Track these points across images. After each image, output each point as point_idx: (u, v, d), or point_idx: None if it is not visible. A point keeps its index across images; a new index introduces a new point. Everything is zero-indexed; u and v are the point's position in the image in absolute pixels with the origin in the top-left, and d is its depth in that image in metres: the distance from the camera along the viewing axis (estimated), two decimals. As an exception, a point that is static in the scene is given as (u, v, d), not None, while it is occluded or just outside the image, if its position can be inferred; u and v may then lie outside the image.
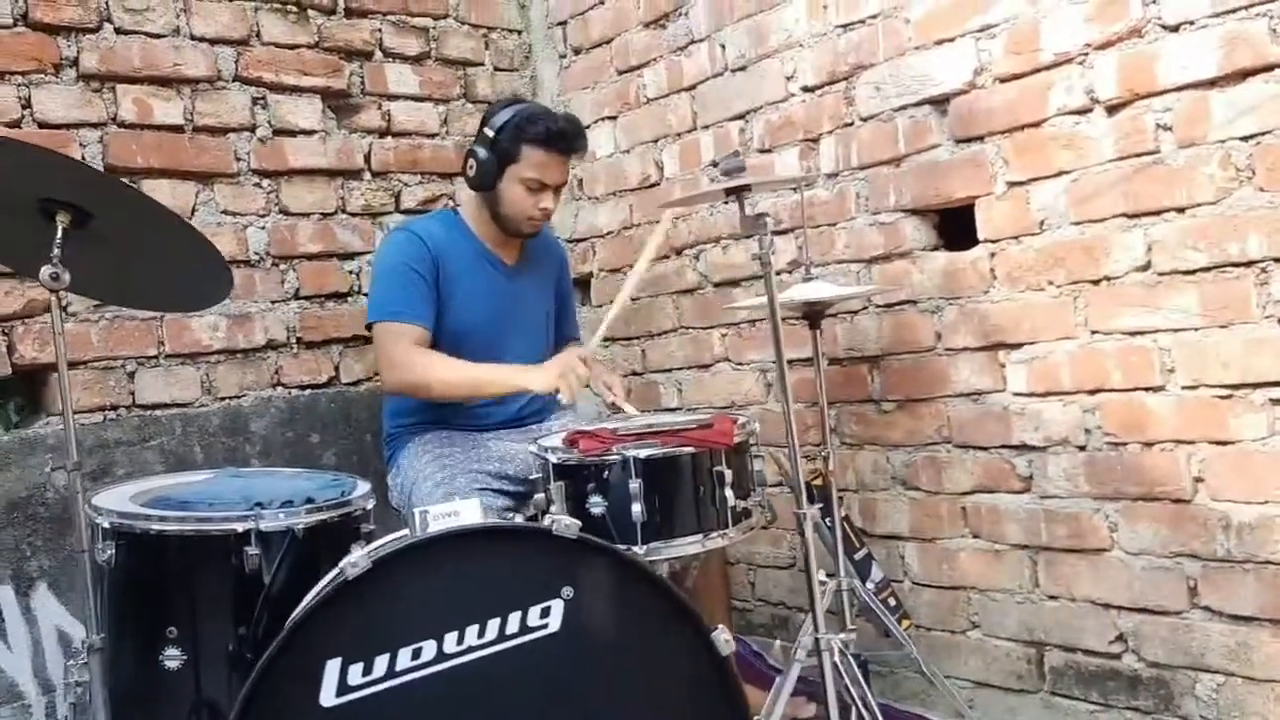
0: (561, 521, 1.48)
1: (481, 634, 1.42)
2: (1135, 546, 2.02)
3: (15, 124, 2.33)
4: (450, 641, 1.41)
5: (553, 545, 1.48)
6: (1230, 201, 1.83)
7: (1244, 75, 1.80)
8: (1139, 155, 1.94)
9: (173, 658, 1.60)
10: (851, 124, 2.42)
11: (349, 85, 2.86)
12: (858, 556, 2.31)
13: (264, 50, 2.71)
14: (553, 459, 1.90)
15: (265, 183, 2.69)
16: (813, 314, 2.18)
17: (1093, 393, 2.05)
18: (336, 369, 2.79)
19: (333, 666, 1.37)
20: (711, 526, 1.89)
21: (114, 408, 2.43)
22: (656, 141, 2.92)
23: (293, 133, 2.74)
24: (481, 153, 2.30)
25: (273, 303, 2.69)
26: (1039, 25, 2.06)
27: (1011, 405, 2.18)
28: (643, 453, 1.85)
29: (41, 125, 2.36)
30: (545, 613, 1.45)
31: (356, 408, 2.78)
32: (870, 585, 2.27)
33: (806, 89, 2.51)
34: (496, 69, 3.18)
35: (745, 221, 1.82)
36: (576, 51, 3.16)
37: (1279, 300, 1.80)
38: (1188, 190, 1.88)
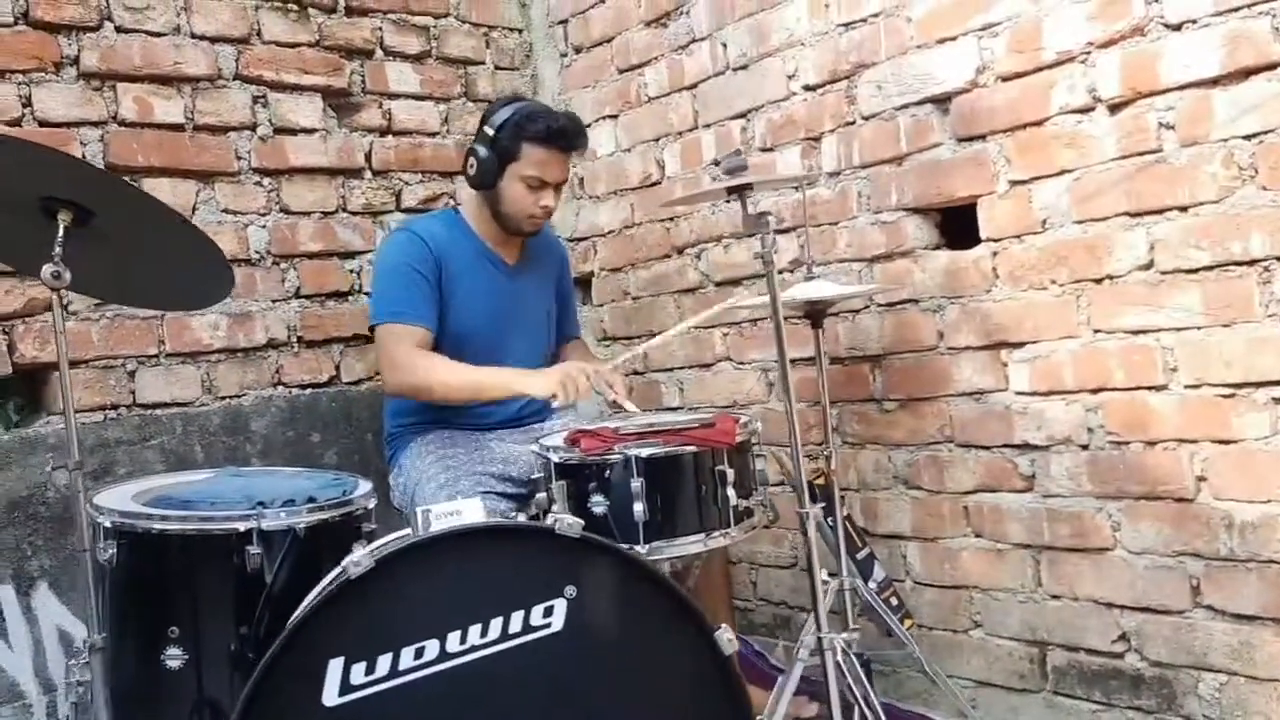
0: (564, 520, 1.47)
1: (484, 633, 1.42)
2: (1138, 546, 2.02)
3: (16, 122, 2.32)
4: (453, 641, 1.41)
5: (556, 544, 1.48)
6: (1233, 200, 1.83)
7: (1246, 74, 1.80)
8: (1141, 154, 1.94)
9: (174, 657, 1.60)
10: (853, 123, 2.42)
11: (350, 84, 2.85)
12: (860, 556, 2.31)
13: (265, 49, 2.70)
14: (554, 458, 1.90)
15: (266, 181, 2.69)
16: (815, 313, 2.18)
17: (1095, 392, 2.05)
18: (337, 368, 2.79)
19: (335, 666, 1.37)
20: (714, 526, 1.89)
21: (114, 407, 2.43)
22: (658, 140, 2.92)
23: (293, 131, 2.74)
24: (482, 151, 2.30)
25: (273, 302, 2.68)
26: (1041, 24, 2.05)
27: (1014, 404, 2.18)
28: (645, 452, 1.84)
29: (42, 124, 2.36)
30: (548, 612, 1.44)
31: (357, 407, 2.78)
32: (872, 585, 2.27)
33: (808, 88, 2.51)
34: (497, 68, 3.17)
35: (748, 220, 1.82)
36: (577, 50, 3.15)
37: (1282, 299, 1.80)
38: (1190, 189, 1.88)
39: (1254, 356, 1.83)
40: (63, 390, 1.60)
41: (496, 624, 1.43)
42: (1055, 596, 2.16)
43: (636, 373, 3.03)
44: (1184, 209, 1.89)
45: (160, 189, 2.46)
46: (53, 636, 2.27)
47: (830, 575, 2.07)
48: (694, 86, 2.80)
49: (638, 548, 1.79)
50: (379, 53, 2.92)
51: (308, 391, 2.73)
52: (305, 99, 2.76)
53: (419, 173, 2.97)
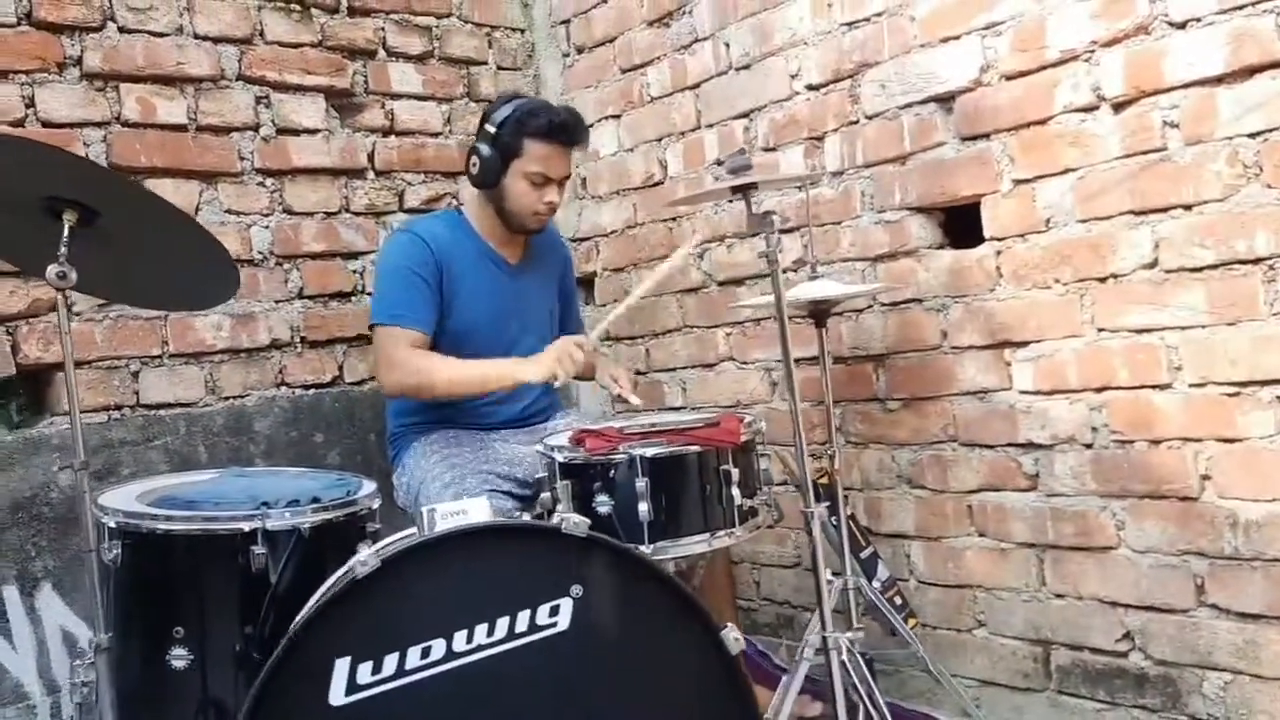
0: (571, 520, 1.47)
1: (491, 632, 1.42)
2: (1142, 545, 2.02)
3: (19, 123, 2.32)
4: (459, 640, 1.41)
5: (562, 544, 1.48)
6: (1238, 199, 1.83)
7: (1251, 72, 1.80)
8: (1146, 153, 1.94)
9: (179, 657, 1.60)
10: (857, 122, 2.42)
11: (352, 84, 2.85)
12: (864, 555, 2.30)
13: (267, 49, 2.71)
14: (559, 458, 1.90)
15: (269, 182, 2.69)
16: (818, 312, 2.17)
17: (1099, 391, 2.05)
18: (340, 368, 2.79)
19: (342, 665, 1.37)
20: (718, 525, 1.89)
21: (118, 407, 2.43)
22: (660, 140, 2.92)
23: (296, 132, 2.74)
24: (484, 149, 2.30)
25: (276, 302, 2.68)
26: (1045, 22, 2.05)
27: (1018, 403, 2.18)
28: (649, 451, 1.84)
29: (45, 124, 2.36)
30: (554, 611, 1.44)
31: (360, 407, 2.78)
32: (876, 584, 2.26)
33: (811, 87, 2.51)
34: (500, 68, 3.17)
35: (752, 220, 1.82)
36: (579, 50, 3.15)
37: (1287, 297, 1.80)
38: (1195, 187, 1.88)
39: (1259, 355, 1.83)
40: (68, 391, 1.60)
41: (503, 623, 1.43)
42: (1059, 595, 2.16)
43: (639, 372, 3.03)
44: (1188, 207, 1.89)
45: (163, 189, 2.46)
46: (56, 637, 2.27)
47: (834, 574, 2.07)
48: (696, 86, 2.80)
49: (642, 547, 1.79)
50: (381, 53, 2.92)
51: (311, 392, 2.73)
52: (308, 99, 2.77)
53: (422, 173, 2.98)
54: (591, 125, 3.05)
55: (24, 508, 2.26)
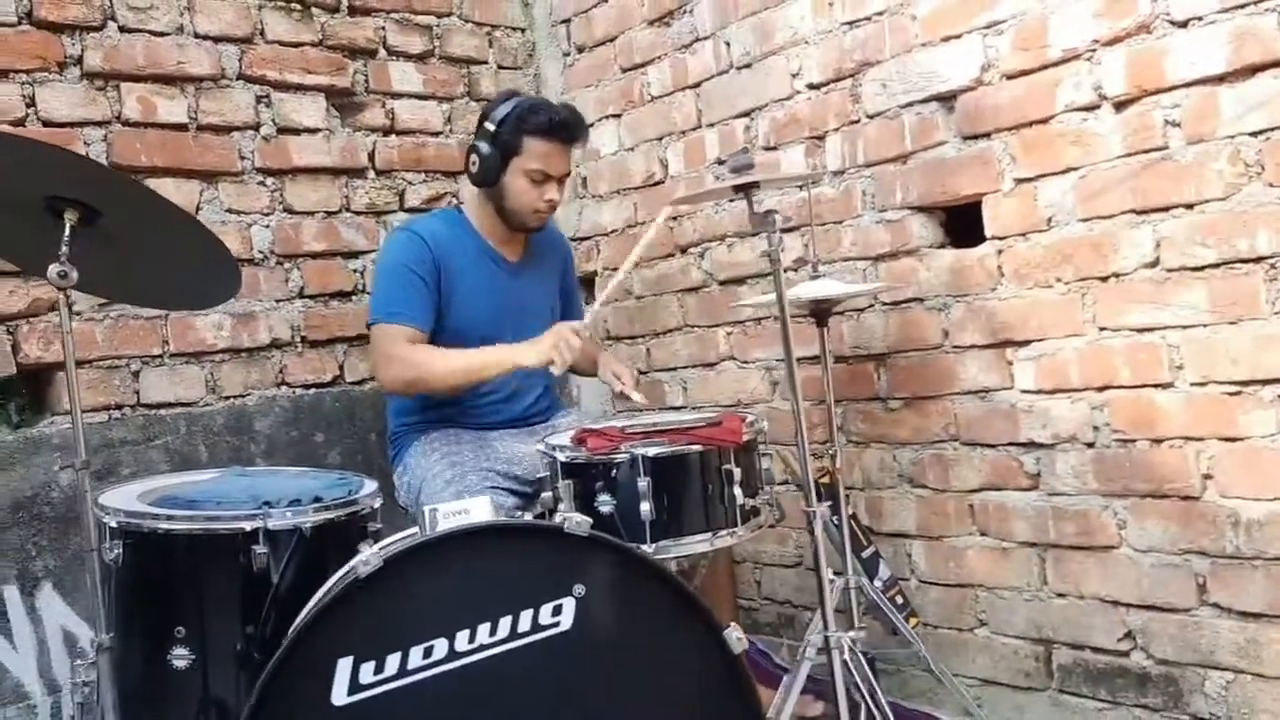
0: (573, 519, 1.47)
1: (493, 632, 1.42)
2: (1144, 544, 2.02)
3: (20, 122, 2.32)
4: (462, 640, 1.41)
5: (565, 543, 1.48)
6: (1239, 197, 1.83)
7: (1253, 71, 1.79)
8: (1147, 151, 1.94)
9: (180, 657, 1.60)
10: (858, 121, 2.42)
11: (353, 83, 2.85)
12: (865, 554, 2.30)
13: (268, 48, 2.70)
14: (561, 457, 1.90)
15: (269, 181, 2.69)
16: (820, 312, 2.17)
17: (1101, 390, 2.05)
18: (341, 368, 2.79)
19: (344, 665, 1.37)
20: (720, 525, 1.89)
21: (119, 407, 2.43)
22: (661, 139, 2.92)
23: (297, 131, 2.74)
24: (483, 147, 2.29)
25: (277, 301, 2.68)
26: (1047, 21, 2.05)
27: (1019, 403, 2.18)
28: (651, 451, 1.84)
29: (46, 124, 2.35)
30: (557, 611, 1.44)
31: (361, 407, 2.78)
32: (878, 583, 2.27)
33: (812, 86, 2.51)
34: (500, 67, 3.17)
35: (754, 219, 1.82)
36: (580, 49, 3.15)
37: (1289, 296, 1.80)
38: (1196, 186, 1.88)
39: (1260, 354, 1.83)
40: (70, 390, 1.59)
41: (505, 623, 1.43)
42: (1061, 595, 2.16)
43: (640, 372, 3.02)
44: (1190, 206, 1.89)
45: (164, 189, 2.45)
46: (57, 637, 2.26)
47: (835, 574, 2.07)
48: (697, 85, 2.79)
49: (644, 547, 1.79)
50: (382, 52, 2.92)
51: (311, 391, 2.73)
52: (309, 99, 2.76)
53: (422, 172, 2.97)
54: (592, 124, 3.05)
55: (25, 507, 2.26)
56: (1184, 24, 1.87)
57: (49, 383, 2.38)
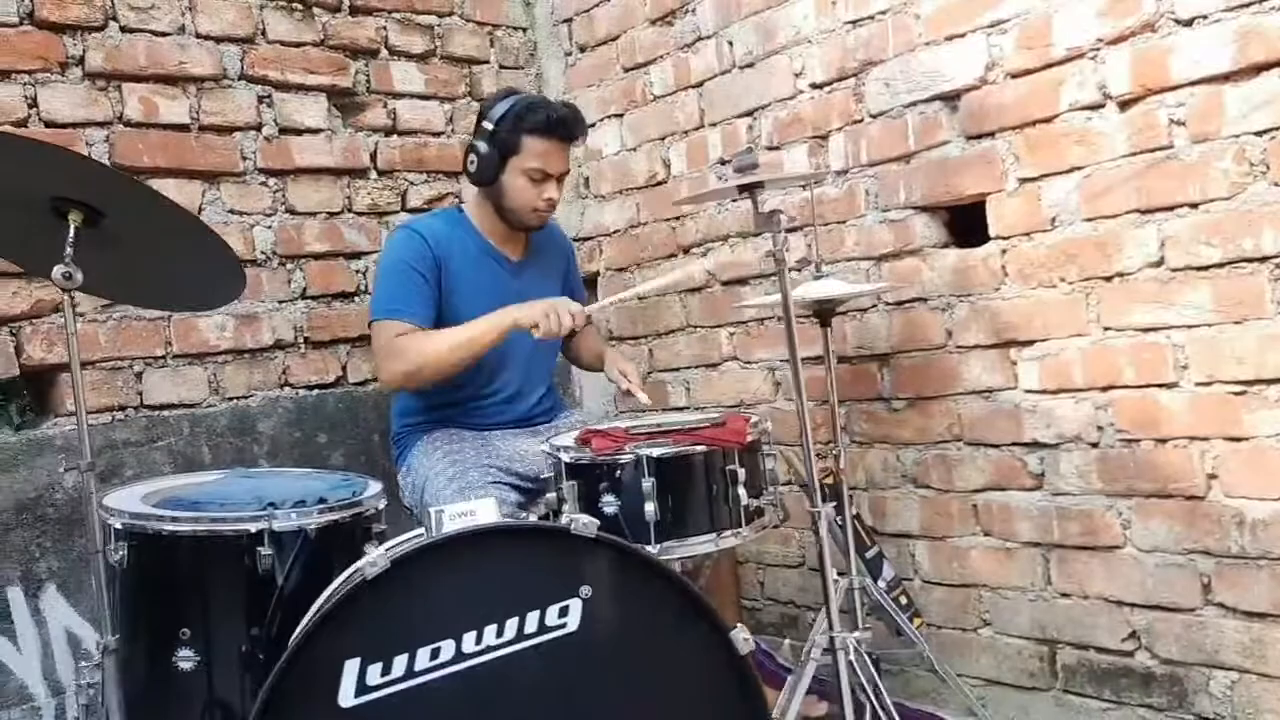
0: (580, 520, 1.47)
1: (500, 634, 1.41)
2: (1148, 544, 2.02)
3: (21, 123, 2.32)
4: (469, 641, 1.40)
5: (571, 544, 1.47)
6: (1244, 197, 1.83)
7: (1258, 70, 1.79)
8: (1152, 151, 1.93)
9: (186, 659, 1.59)
10: (861, 121, 2.42)
11: (355, 83, 2.85)
12: (869, 555, 2.30)
13: (269, 48, 2.70)
14: (565, 458, 1.89)
15: (271, 182, 2.69)
16: (823, 312, 2.17)
17: (1105, 389, 2.05)
18: (344, 369, 2.79)
19: (351, 667, 1.36)
20: (724, 525, 1.88)
21: (122, 408, 2.43)
22: (664, 139, 2.91)
23: (299, 131, 2.74)
24: (482, 147, 2.29)
25: (280, 302, 2.68)
26: (1051, 20, 2.05)
27: (1023, 403, 2.18)
28: (656, 451, 1.84)
29: (48, 124, 2.35)
30: (564, 612, 1.44)
31: (364, 407, 2.78)
32: (881, 583, 2.27)
33: (815, 86, 2.50)
34: (502, 67, 3.17)
35: (759, 219, 1.81)
36: (582, 49, 3.15)
37: (1294, 296, 1.80)
38: (1201, 185, 1.88)
39: (1265, 353, 1.83)
40: (75, 392, 1.59)
41: (512, 624, 1.42)
42: (1065, 595, 2.16)
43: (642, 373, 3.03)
44: (1195, 206, 1.89)
45: (166, 190, 2.44)
46: (61, 639, 2.26)
47: (839, 574, 2.07)
48: (700, 85, 2.79)
49: (649, 547, 1.79)
50: (384, 52, 2.91)
51: (314, 392, 2.72)
52: (310, 99, 2.76)
53: (424, 173, 2.97)
54: (594, 124, 3.06)
55: (28, 509, 2.25)
56: (1189, 22, 1.87)
57: (52, 384, 2.38)
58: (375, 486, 1.82)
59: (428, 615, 1.42)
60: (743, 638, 1.49)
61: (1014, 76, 2.12)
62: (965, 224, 2.29)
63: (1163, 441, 1.98)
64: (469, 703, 1.40)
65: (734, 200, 2.69)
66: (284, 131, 2.71)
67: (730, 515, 1.88)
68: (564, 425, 2.35)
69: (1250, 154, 1.81)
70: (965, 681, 2.25)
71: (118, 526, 1.64)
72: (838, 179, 2.48)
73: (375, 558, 1.40)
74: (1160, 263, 1.94)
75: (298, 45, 2.75)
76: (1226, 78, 1.83)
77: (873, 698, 1.87)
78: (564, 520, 1.52)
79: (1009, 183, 2.15)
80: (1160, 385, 1.97)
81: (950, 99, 2.24)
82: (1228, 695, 1.93)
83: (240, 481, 1.91)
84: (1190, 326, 1.92)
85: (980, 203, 2.22)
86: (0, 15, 2.31)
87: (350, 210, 2.83)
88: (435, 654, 1.39)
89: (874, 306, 2.43)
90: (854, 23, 2.40)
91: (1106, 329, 2.03)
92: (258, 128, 2.67)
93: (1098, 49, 1.99)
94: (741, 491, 1.87)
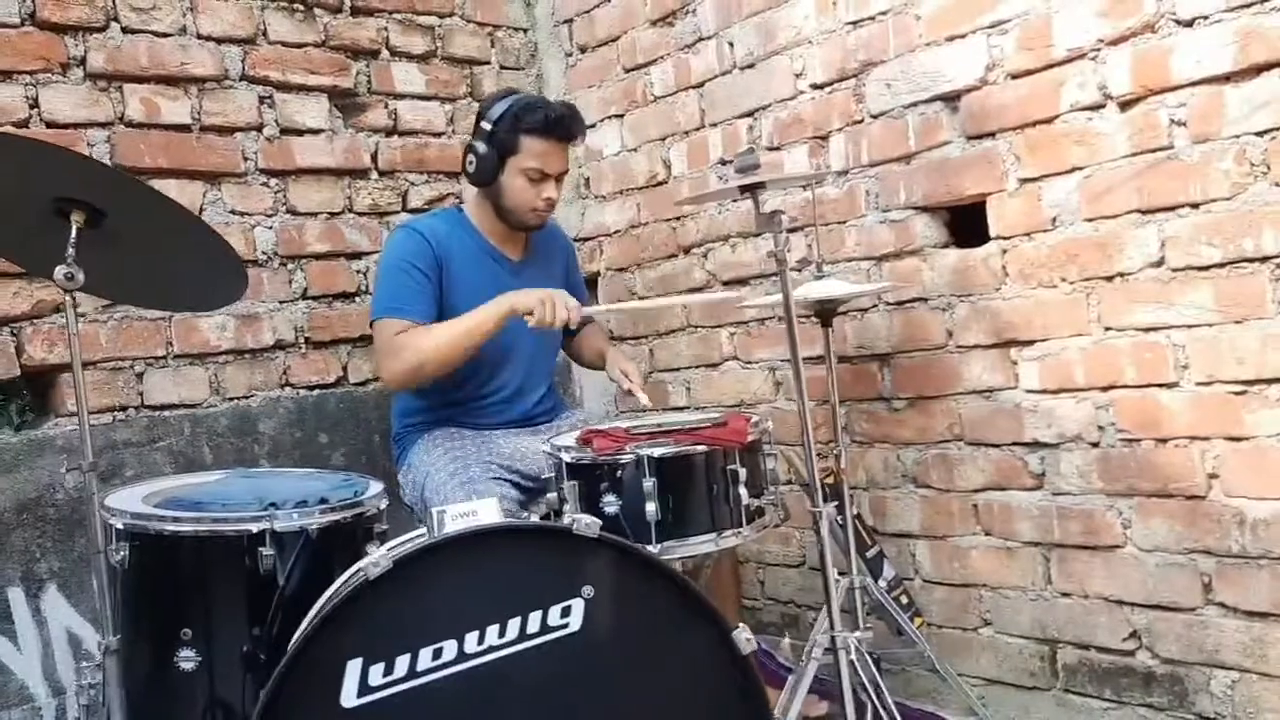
0: (582, 520, 1.47)
1: (502, 634, 1.42)
2: (1149, 543, 2.02)
3: (23, 123, 2.32)
4: (471, 641, 1.40)
5: (573, 544, 1.47)
6: (1245, 197, 1.83)
7: (1259, 70, 1.79)
8: (1152, 151, 1.94)
9: (187, 659, 1.59)
10: (861, 121, 2.42)
11: (356, 84, 2.85)
12: (869, 554, 2.30)
13: (271, 49, 2.70)
14: (566, 458, 1.89)
15: (273, 182, 2.69)
16: (824, 312, 2.17)
17: (1106, 389, 2.05)
18: (345, 369, 2.79)
19: (354, 667, 1.36)
20: (725, 525, 1.88)
21: (123, 409, 2.43)
22: (664, 140, 2.92)
23: (300, 132, 2.74)
24: (480, 147, 2.28)
25: (281, 303, 2.68)
26: (1051, 21, 2.05)
27: (1024, 402, 2.18)
28: (657, 451, 1.83)
29: (49, 125, 2.35)
30: (566, 612, 1.44)
31: (365, 408, 2.78)
32: (882, 583, 2.27)
33: (816, 86, 2.51)
34: (502, 67, 3.17)
35: (760, 219, 1.81)
36: (582, 50, 3.15)
37: (1294, 296, 1.80)
38: (1202, 186, 1.88)
39: (1266, 353, 1.83)
40: (77, 392, 1.59)
41: (514, 624, 1.42)
42: (1065, 594, 2.16)
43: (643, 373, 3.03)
44: (1195, 206, 1.89)
45: (167, 190, 2.43)
46: (62, 639, 2.26)
47: (840, 574, 2.07)
48: (701, 85, 2.79)
49: (649, 547, 1.79)
50: (385, 53, 2.92)
51: (315, 392, 2.73)
52: (311, 99, 2.76)
53: (425, 173, 2.97)
54: (595, 125, 3.06)
55: (29, 509, 2.26)
56: (1189, 23, 1.87)
57: (52, 384, 2.38)
58: (377, 487, 1.82)
59: (430, 615, 1.42)
60: (745, 638, 1.49)
61: (1014, 77, 2.12)
62: (966, 224, 2.29)
63: (1163, 441, 1.98)
64: (471, 703, 1.40)
65: (734, 200, 2.69)
66: (285, 132, 2.71)
67: (731, 515, 1.88)
68: (565, 425, 2.35)
69: (1251, 154, 1.81)
70: (966, 681, 2.25)
71: (119, 527, 1.64)
72: (838, 179, 2.48)
73: (378, 558, 1.40)
74: (1161, 263, 1.95)
75: (299, 46, 2.75)
76: (1227, 78, 1.83)
77: (874, 697, 1.87)
78: (566, 520, 1.52)
79: (1009, 183, 2.16)
80: (1161, 385, 1.97)
81: (951, 99, 2.24)
82: (1228, 695, 1.93)
83: (241, 482, 1.91)
84: (1191, 326, 1.92)
85: (981, 203, 2.22)
86: (2, 16, 2.31)
87: (351, 210, 2.83)
88: (438, 654, 1.39)
89: (875, 306, 2.43)
90: (854, 23, 2.40)
91: (1107, 329, 2.03)
92: (259, 128, 2.67)
93: (1098, 49, 1.99)
94: (742, 491, 1.87)
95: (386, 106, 2.91)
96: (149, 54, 2.50)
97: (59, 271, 1.53)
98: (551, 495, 1.90)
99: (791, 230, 2.53)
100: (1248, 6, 1.79)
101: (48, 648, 2.25)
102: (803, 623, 2.68)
